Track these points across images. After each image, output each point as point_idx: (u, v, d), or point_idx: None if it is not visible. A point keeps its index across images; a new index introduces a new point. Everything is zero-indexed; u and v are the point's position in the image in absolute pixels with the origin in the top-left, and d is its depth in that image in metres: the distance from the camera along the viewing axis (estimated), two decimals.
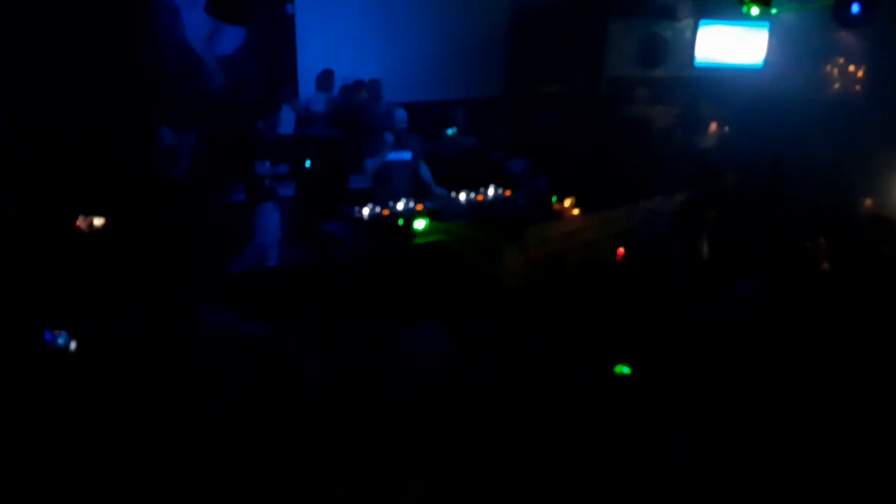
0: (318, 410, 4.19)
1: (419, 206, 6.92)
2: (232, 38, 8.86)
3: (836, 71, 9.88)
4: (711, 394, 4.40)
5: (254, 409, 4.13)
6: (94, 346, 4.44)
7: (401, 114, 7.41)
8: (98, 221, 5.89)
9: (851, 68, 9.83)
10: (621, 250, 6.64)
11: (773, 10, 9.63)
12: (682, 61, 10.07)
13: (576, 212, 7.18)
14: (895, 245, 6.49)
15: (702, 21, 9.94)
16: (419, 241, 6.54)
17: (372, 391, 4.33)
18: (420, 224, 6.57)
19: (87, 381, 4.21)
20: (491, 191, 7.40)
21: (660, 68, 10.09)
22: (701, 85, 9.73)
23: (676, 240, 6.52)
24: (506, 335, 5.15)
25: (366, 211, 6.77)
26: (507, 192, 7.49)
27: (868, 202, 7.49)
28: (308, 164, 7.63)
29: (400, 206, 6.88)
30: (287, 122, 8.39)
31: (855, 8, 8.71)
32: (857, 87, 9.81)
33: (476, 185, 7.41)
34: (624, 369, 4.90)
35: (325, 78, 9.16)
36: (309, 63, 9.20)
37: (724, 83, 9.63)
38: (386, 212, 6.79)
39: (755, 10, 9.57)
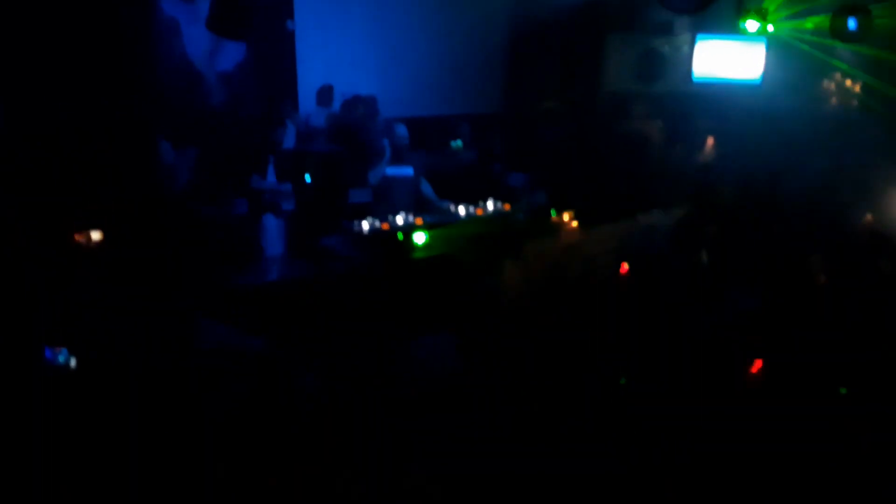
0: (317, 416, 4.20)
1: (419, 220, 6.95)
2: (232, 54, 8.89)
3: (833, 86, 9.91)
4: (711, 409, 4.41)
5: (252, 420, 4.14)
6: (92, 356, 4.44)
7: (401, 129, 7.44)
8: (96, 236, 5.89)
9: (849, 83, 9.87)
10: (625, 265, 6.65)
11: (770, 27, 9.71)
12: (680, 76, 10.07)
13: (574, 225, 7.20)
14: (894, 260, 6.49)
15: (699, 36, 9.96)
16: (419, 255, 6.56)
17: (371, 397, 4.34)
18: (420, 238, 6.59)
19: (84, 391, 4.21)
20: (490, 205, 7.43)
21: (658, 83, 10.10)
22: (699, 100, 9.75)
23: (675, 254, 6.54)
24: (506, 347, 5.15)
25: (365, 225, 6.78)
26: (507, 206, 7.51)
27: (867, 217, 7.49)
28: (308, 178, 7.66)
29: (399, 220, 6.90)
30: (287, 136, 8.44)
31: (851, 23, 8.78)
32: (855, 102, 9.84)
33: (475, 198, 7.44)
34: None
35: (325, 93, 9.21)
36: (309, 78, 9.24)
37: (721, 98, 9.66)
38: (385, 226, 6.81)
39: (752, 26, 9.66)
